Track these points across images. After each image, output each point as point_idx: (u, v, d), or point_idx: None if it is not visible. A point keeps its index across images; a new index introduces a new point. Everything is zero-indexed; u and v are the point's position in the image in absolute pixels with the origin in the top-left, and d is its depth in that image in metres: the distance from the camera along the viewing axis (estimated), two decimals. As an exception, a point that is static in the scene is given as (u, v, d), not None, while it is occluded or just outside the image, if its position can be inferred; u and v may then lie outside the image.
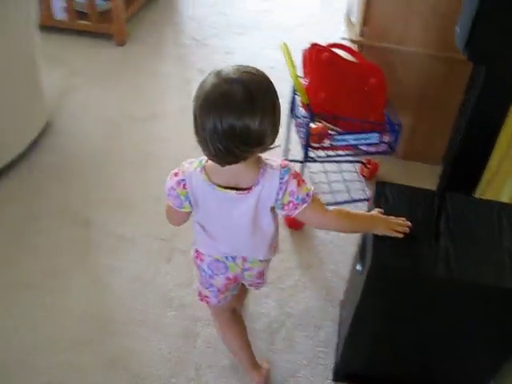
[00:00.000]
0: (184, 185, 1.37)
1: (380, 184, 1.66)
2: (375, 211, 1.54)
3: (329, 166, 2.55)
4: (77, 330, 1.94)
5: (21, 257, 2.18)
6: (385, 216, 1.51)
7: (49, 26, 3.44)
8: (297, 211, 1.38)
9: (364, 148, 2.16)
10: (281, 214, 1.43)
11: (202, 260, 1.56)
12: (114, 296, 2.05)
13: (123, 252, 2.21)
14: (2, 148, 2.48)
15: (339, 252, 2.24)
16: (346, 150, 2.18)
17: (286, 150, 2.41)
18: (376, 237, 1.49)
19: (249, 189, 1.34)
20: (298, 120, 2.18)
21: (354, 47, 2.37)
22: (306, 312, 2.04)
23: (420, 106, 2.48)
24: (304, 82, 2.07)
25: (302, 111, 2.13)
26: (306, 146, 2.07)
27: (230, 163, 1.26)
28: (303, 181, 1.39)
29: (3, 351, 1.87)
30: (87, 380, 1.81)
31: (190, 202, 1.40)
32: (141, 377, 1.82)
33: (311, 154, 2.12)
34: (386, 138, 2.16)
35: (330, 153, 2.16)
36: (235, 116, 1.17)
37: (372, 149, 2.16)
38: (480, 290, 1.44)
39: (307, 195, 1.37)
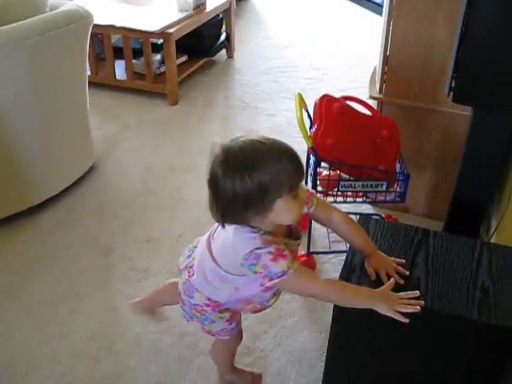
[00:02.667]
0: None
1: (363, 218, 1.72)
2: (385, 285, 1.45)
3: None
4: (86, 348, 2.07)
5: (48, 278, 2.36)
6: (387, 292, 1.42)
7: (111, 85, 3.80)
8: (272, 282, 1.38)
9: (372, 196, 2.23)
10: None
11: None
12: (125, 321, 2.17)
13: (139, 282, 2.34)
14: (49, 182, 2.74)
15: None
16: (355, 197, 2.25)
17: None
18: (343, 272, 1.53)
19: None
20: (310, 170, 2.27)
21: (374, 104, 2.49)
22: (303, 351, 2.07)
23: (442, 163, 2.53)
24: (312, 128, 2.19)
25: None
26: (314, 188, 2.16)
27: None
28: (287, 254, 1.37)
29: (18, 357, 2.03)
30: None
31: None
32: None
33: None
34: (396, 188, 2.21)
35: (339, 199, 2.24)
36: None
37: (381, 197, 2.22)
38: (448, 320, 1.44)
39: (284, 271, 1.36)
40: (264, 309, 1.65)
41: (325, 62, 4.38)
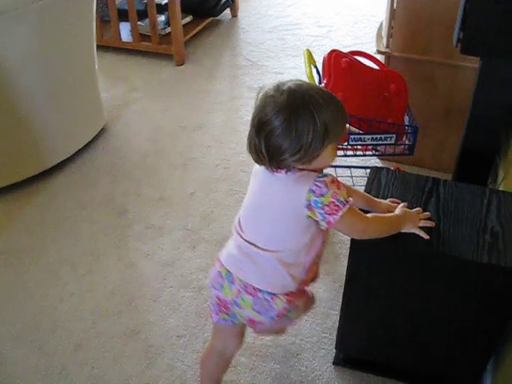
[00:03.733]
0: None
1: (375, 168, 1.76)
2: (399, 208, 1.53)
3: (355, 172, 2.65)
4: (107, 304, 2.14)
5: (65, 239, 2.42)
6: (408, 211, 1.51)
7: (116, 47, 3.81)
8: (338, 214, 1.32)
9: (382, 149, 2.26)
10: (321, 218, 1.33)
11: (214, 266, 1.51)
12: (143, 277, 2.24)
13: (154, 239, 2.41)
14: (60, 146, 2.78)
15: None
16: (365, 150, 2.29)
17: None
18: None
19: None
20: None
21: (382, 59, 2.50)
22: (318, 301, 2.13)
23: (449, 116, 2.55)
24: (322, 84, 2.21)
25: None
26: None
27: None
28: (343, 186, 1.36)
29: (42, 315, 2.10)
30: (109, 345, 1.99)
31: None
32: (155, 347, 1.98)
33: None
34: (405, 141, 2.25)
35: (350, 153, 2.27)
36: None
37: (390, 150, 2.25)
38: (459, 263, 1.49)
39: (347, 201, 1.33)
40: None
41: (329, 19, 4.35)
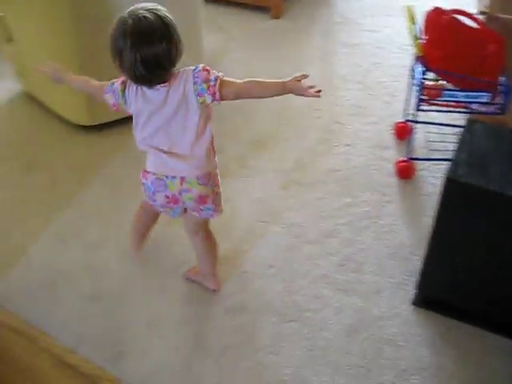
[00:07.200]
0: (123, 82, 1.71)
1: (471, 121, 1.85)
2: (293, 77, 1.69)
3: (447, 129, 2.71)
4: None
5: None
6: (296, 81, 1.67)
7: (216, -1, 3.98)
8: (216, 89, 1.63)
9: (474, 107, 2.33)
10: (209, 99, 1.66)
11: (146, 178, 1.79)
12: (234, 210, 2.42)
13: (248, 178, 2.59)
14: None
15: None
16: (457, 107, 2.36)
17: (405, 112, 2.64)
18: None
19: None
20: (415, 79, 2.39)
21: (482, 19, 2.54)
22: (401, 246, 2.26)
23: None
24: (422, 40, 2.29)
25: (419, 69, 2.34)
26: (419, 96, 2.29)
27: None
28: (210, 70, 1.66)
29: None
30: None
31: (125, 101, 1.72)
32: (249, 273, 2.17)
33: (424, 107, 2.34)
34: (498, 100, 2.30)
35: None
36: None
37: (482, 108, 2.32)
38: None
39: (217, 76, 1.64)
40: None
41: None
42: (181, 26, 2.87)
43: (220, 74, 1.67)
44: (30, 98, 3.14)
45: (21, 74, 3.12)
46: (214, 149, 1.82)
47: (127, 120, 2.77)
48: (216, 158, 1.85)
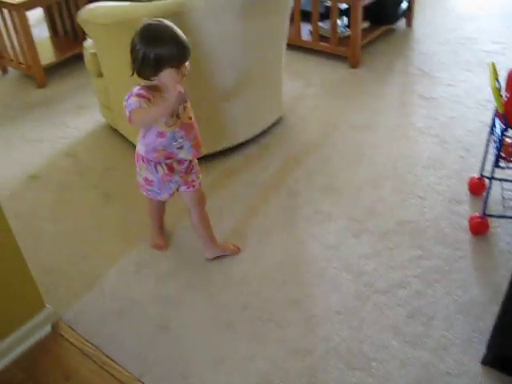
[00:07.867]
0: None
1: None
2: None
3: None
4: (273, 273, 2.39)
5: (238, 211, 2.74)
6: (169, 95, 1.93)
7: (295, 45, 4.11)
8: (127, 111, 2.01)
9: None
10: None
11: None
12: (310, 255, 2.47)
13: (322, 224, 2.63)
14: (242, 127, 3.09)
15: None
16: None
17: (482, 166, 2.63)
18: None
19: None
20: (495, 136, 2.39)
21: None
22: (472, 302, 2.23)
23: None
24: (504, 97, 2.29)
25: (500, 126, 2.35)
26: (497, 153, 2.29)
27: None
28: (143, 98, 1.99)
29: (215, 272, 2.39)
30: (274, 310, 2.24)
31: None
32: (317, 317, 2.20)
33: (502, 164, 2.33)
34: None
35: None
36: None
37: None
38: None
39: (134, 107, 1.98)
40: (172, 157, 2.18)
41: (505, 36, 4.33)
42: (264, 71, 3.02)
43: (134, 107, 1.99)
44: (113, 130, 3.32)
45: (105, 107, 3.29)
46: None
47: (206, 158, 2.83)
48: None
